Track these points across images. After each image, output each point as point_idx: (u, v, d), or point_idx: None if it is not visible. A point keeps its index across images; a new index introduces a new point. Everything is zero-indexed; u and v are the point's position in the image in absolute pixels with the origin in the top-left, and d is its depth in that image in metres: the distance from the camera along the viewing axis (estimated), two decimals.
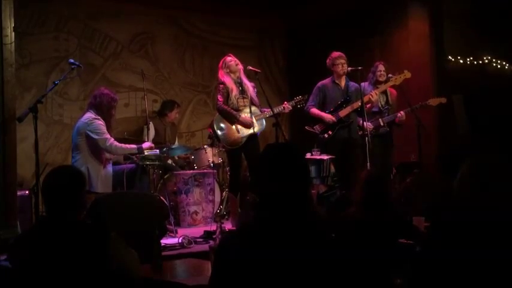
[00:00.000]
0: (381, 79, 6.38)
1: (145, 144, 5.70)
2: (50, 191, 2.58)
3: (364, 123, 5.83)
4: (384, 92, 6.46)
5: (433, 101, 6.43)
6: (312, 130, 6.13)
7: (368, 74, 6.49)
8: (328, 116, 6.04)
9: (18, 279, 2.50)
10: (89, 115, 5.50)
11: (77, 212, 2.59)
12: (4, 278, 3.34)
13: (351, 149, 6.03)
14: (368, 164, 5.56)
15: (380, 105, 6.41)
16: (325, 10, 8.18)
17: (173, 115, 7.37)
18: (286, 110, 6.03)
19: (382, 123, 6.36)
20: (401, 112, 6.34)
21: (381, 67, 6.43)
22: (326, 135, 6.05)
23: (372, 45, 7.91)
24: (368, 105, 6.11)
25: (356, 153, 5.97)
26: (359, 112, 6.03)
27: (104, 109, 5.53)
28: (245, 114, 5.88)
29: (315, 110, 6.13)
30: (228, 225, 5.34)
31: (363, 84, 6.17)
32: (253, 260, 1.83)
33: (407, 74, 6.25)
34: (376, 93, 6.11)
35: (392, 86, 6.41)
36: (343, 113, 6.04)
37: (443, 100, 6.45)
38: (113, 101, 5.60)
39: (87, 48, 7.50)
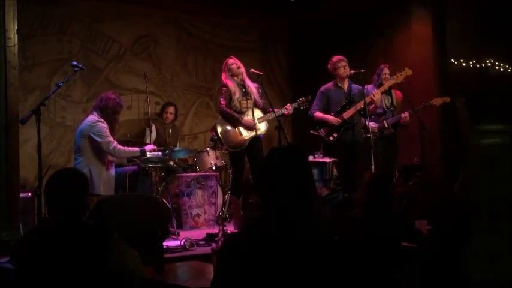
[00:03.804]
0: (385, 82, 6.36)
1: (148, 147, 5.71)
2: (53, 193, 2.58)
3: (366, 122, 5.82)
4: (389, 94, 6.44)
5: (436, 101, 6.37)
6: (317, 134, 6.12)
7: (372, 76, 6.47)
8: (332, 118, 6.04)
9: (20, 280, 2.50)
10: (92, 117, 5.51)
11: (80, 214, 2.60)
12: (7, 280, 3.34)
13: (355, 151, 6.02)
14: (373, 166, 5.55)
15: (385, 107, 6.40)
16: (328, 12, 8.18)
17: (168, 116, 7.34)
18: (288, 112, 6.00)
19: (386, 125, 6.34)
20: (406, 113, 6.31)
21: (386, 70, 6.41)
22: (331, 138, 6.04)
23: (375, 48, 7.89)
24: (371, 106, 6.10)
25: (360, 155, 5.97)
26: (362, 113, 6.03)
27: (109, 113, 5.54)
28: (248, 117, 5.87)
29: (318, 114, 6.13)
30: (230, 228, 5.32)
31: (366, 86, 6.17)
32: (255, 262, 1.83)
33: (408, 72, 6.22)
34: (377, 93, 6.09)
35: (396, 86, 6.39)
36: (347, 114, 6.03)
37: (447, 99, 6.39)
38: (118, 106, 5.61)
39: (90, 50, 7.52)
